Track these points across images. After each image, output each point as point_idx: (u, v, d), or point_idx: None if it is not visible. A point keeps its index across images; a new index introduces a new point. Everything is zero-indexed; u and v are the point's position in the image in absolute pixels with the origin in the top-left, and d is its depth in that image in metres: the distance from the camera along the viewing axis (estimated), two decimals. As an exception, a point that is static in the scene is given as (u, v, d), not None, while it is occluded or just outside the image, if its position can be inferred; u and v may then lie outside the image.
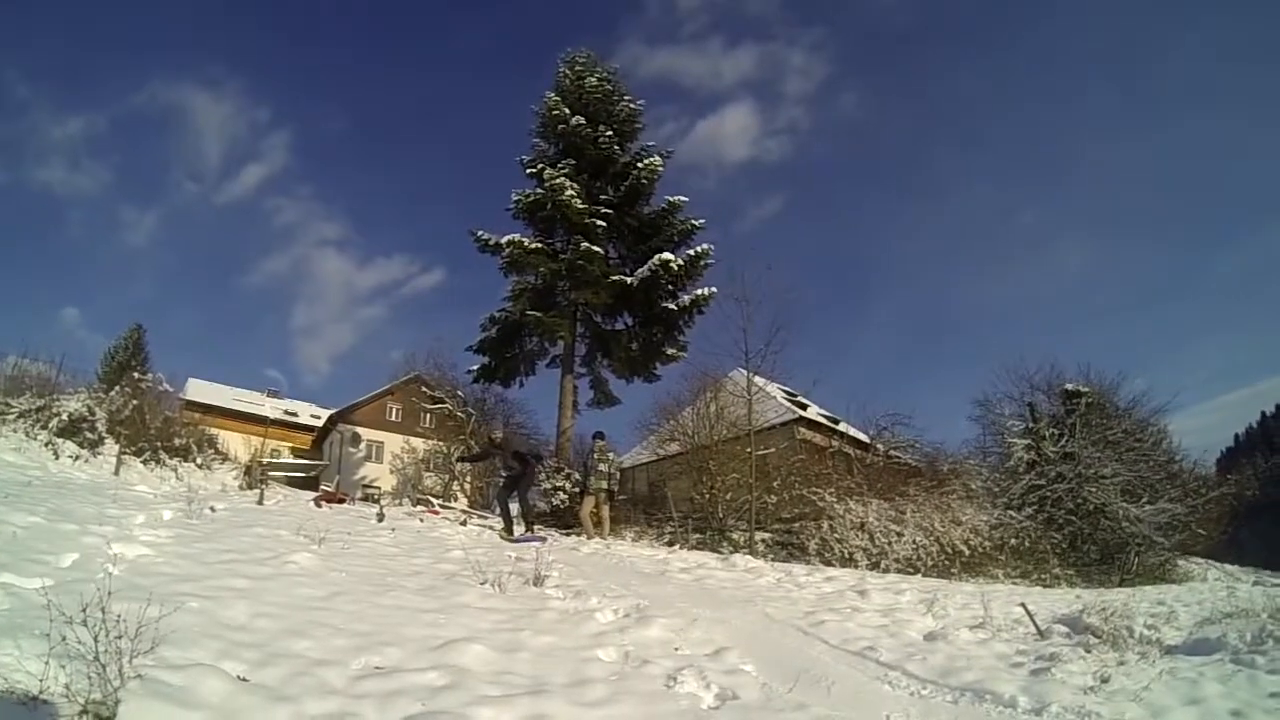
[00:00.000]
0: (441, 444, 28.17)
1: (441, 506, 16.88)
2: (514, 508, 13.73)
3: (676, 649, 5.63)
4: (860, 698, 5.06)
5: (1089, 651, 6.84)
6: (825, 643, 6.57)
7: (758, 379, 23.53)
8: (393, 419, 45.01)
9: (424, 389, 32.74)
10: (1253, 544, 57.14)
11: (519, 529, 12.68)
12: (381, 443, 44.20)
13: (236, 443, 29.14)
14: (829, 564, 15.36)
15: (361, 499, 18.57)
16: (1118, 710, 4.97)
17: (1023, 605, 9.03)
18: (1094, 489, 24.04)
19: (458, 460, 16.72)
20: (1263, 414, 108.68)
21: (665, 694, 4.54)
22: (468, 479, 26.83)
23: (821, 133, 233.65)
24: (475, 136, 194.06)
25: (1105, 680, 5.62)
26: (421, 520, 13.29)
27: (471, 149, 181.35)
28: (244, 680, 3.62)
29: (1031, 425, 26.70)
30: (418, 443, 32.12)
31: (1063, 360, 29.85)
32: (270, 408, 54.58)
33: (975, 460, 26.75)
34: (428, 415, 34.25)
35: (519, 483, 14.19)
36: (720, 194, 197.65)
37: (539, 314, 23.31)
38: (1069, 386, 27.59)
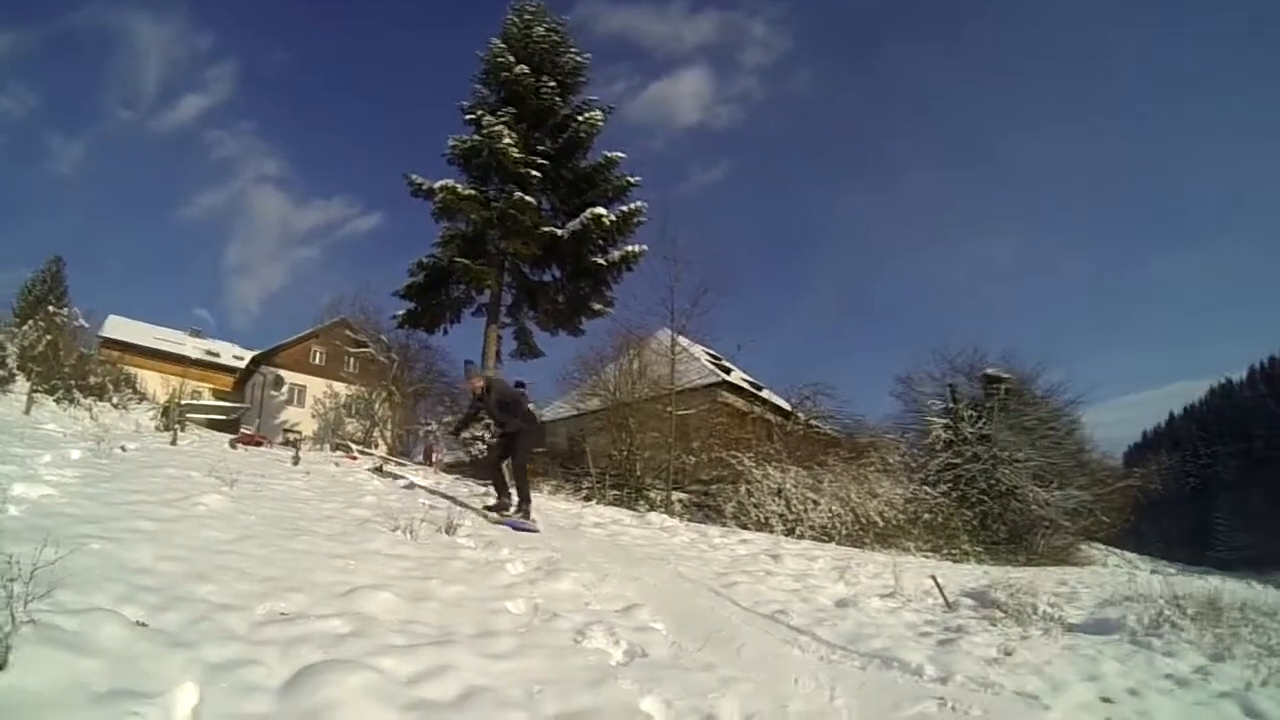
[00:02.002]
0: (364, 390, 27.94)
1: (360, 453, 16.72)
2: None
3: (587, 604, 5.68)
4: (769, 660, 5.14)
5: (994, 625, 7.14)
6: (737, 604, 6.67)
7: (683, 340, 23.72)
8: (317, 362, 44.00)
9: (348, 332, 32.31)
10: (1152, 535, 60.13)
11: (510, 510, 9.25)
12: (304, 386, 43.20)
13: (155, 383, 28.51)
14: (745, 527, 15.51)
15: (281, 443, 18.32)
16: (1020, 682, 5.12)
17: (933, 578, 9.30)
18: (1007, 471, 24.91)
19: (453, 432, 13.82)
20: (1171, 414, 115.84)
21: (573, 649, 4.57)
22: (389, 426, 26.65)
23: (773, 105, 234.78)
24: (423, 78, 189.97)
25: (1009, 653, 5.83)
26: (337, 465, 13.12)
27: (419, 91, 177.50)
28: (143, 625, 3.53)
29: (951, 406, 27.60)
30: (340, 387, 31.86)
31: (986, 346, 30.60)
32: (192, 347, 53.28)
33: (895, 436, 27.35)
34: (351, 360, 33.95)
35: (515, 443, 9.70)
36: (667, 156, 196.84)
37: (467, 261, 23.27)
38: (990, 371, 28.51)
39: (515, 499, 9.40)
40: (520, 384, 16.35)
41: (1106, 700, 5.11)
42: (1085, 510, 27.28)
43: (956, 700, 4.55)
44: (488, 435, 19.05)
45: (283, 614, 4.12)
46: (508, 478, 9.76)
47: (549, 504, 12.20)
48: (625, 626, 5.16)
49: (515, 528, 8.66)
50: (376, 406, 27.26)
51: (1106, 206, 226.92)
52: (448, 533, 7.36)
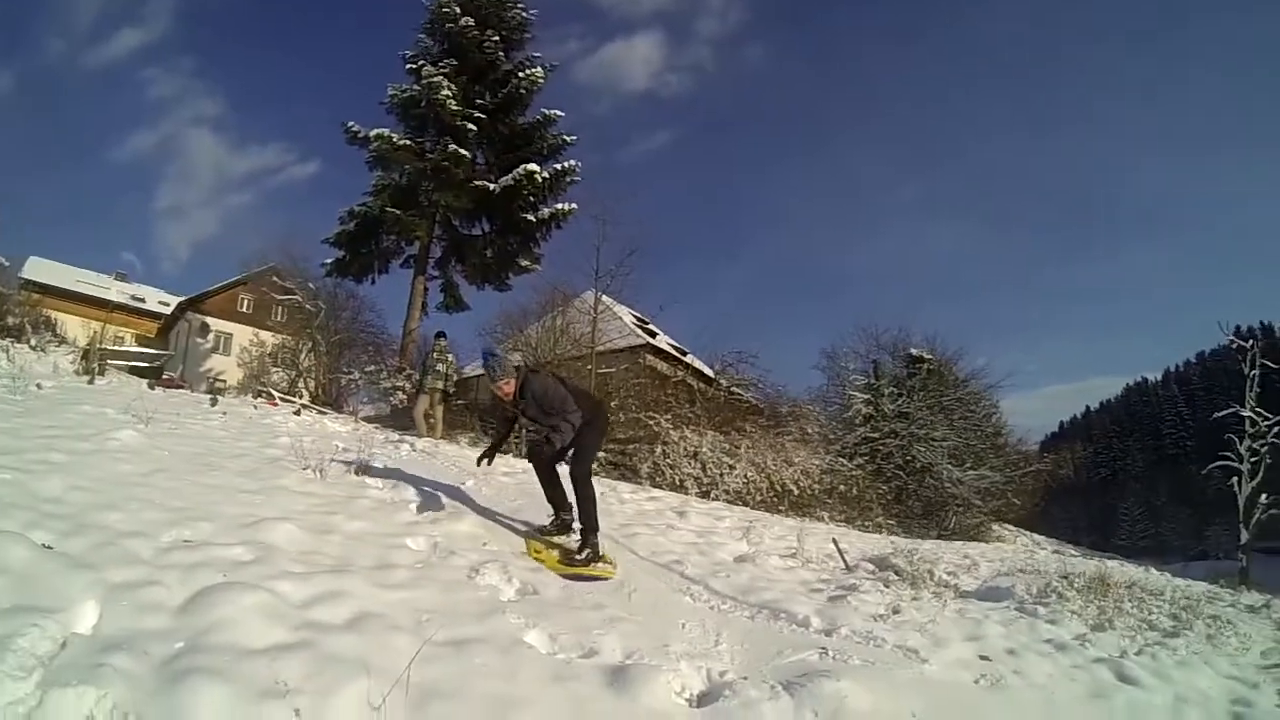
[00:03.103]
0: (290, 338, 27.67)
1: (281, 400, 16.64)
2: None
3: (485, 544, 5.83)
4: (659, 606, 5.36)
5: (888, 587, 7.29)
6: (635, 554, 6.88)
7: (610, 302, 24.00)
8: (244, 310, 43.19)
9: (276, 279, 31.84)
10: (1062, 520, 62.46)
11: (572, 535, 6.40)
12: (231, 334, 42.16)
13: (76, 327, 27.89)
14: (659, 488, 15.62)
15: (205, 392, 18.18)
16: (902, 637, 5.28)
17: (834, 541, 9.51)
18: (923, 448, 25.57)
19: (483, 458, 7.07)
20: (1087, 408, 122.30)
21: (466, 584, 4.76)
22: (312, 377, 26.46)
23: (724, 77, 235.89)
24: (369, 24, 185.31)
25: (897, 611, 6.04)
26: (255, 408, 13.10)
27: (365, 37, 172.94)
28: (49, 548, 3.65)
29: (873, 382, 28.21)
30: (267, 336, 31.36)
31: (912, 327, 31.54)
32: (117, 292, 51.38)
33: (815, 408, 27.87)
34: (279, 308, 33.40)
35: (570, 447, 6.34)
36: (611, 119, 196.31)
37: (398, 212, 23.23)
38: (914, 351, 29.27)
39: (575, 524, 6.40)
40: (440, 334, 16.36)
41: (984, 658, 5.29)
42: (997, 491, 28.08)
43: (838, 650, 4.76)
44: (408, 385, 18.95)
45: (187, 541, 4.25)
46: (566, 490, 6.55)
47: (463, 452, 12.30)
48: (520, 567, 5.35)
49: (579, 579, 5.62)
50: (302, 356, 27.02)
51: (1044, 206, 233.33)
52: (357, 473, 7.43)
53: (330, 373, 26.11)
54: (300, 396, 22.04)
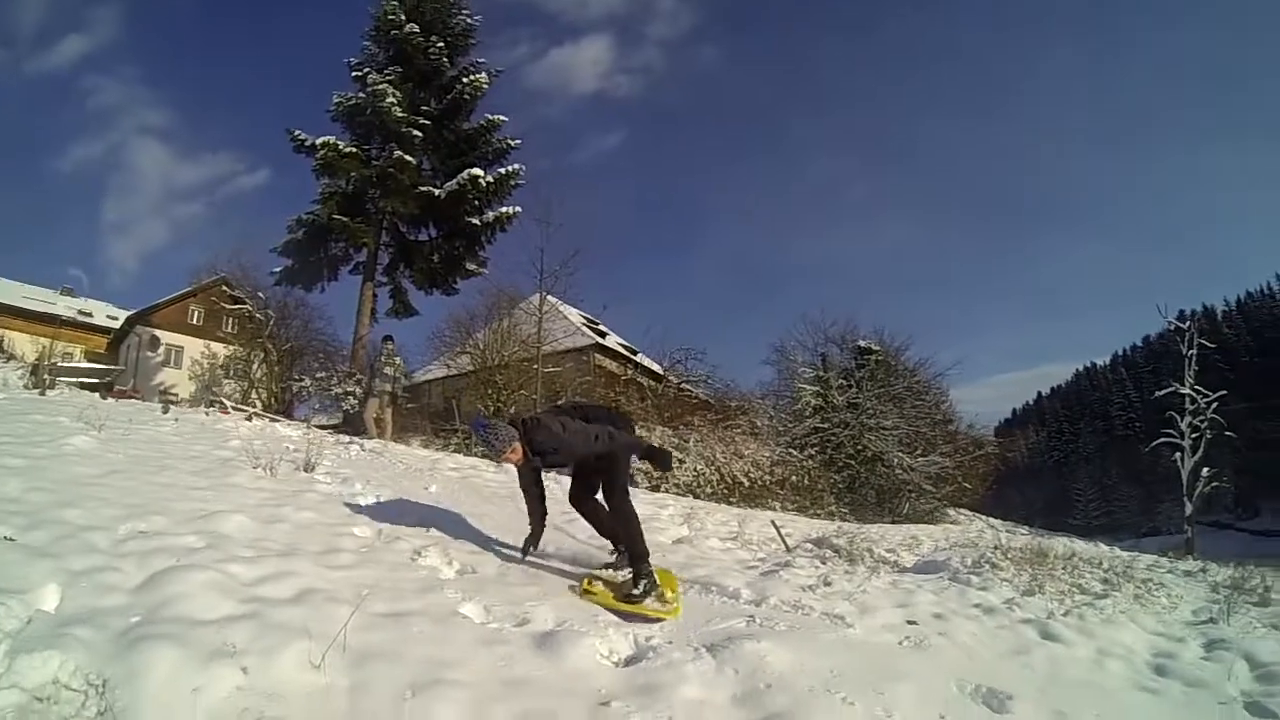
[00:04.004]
0: (242, 349, 27.64)
1: (234, 409, 16.72)
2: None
3: (429, 530, 6.06)
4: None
5: (824, 563, 7.49)
6: (574, 538, 7.04)
7: (558, 303, 24.31)
8: (194, 322, 42.47)
9: (226, 289, 31.74)
10: (1018, 503, 63.61)
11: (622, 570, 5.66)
12: (181, 347, 41.67)
13: (24, 344, 27.58)
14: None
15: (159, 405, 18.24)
16: (830, 606, 5.43)
17: (773, 523, 9.77)
18: (874, 437, 26.10)
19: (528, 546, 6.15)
20: (1039, 394, 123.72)
21: (408, 565, 5.02)
22: (264, 387, 26.45)
23: (675, 79, 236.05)
24: (318, 32, 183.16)
25: (828, 583, 6.22)
26: (208, 414, 13.24)
27: (312, 44, 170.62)
28: (10, 540, 3.86)
29: (822, 374, 28.65)
30: (219, 348, 31.20)
31: (861, 320, 32.24)
32: (64, 307, 50.48)
33: (768, 401, 28.41)
34: (230, 319, 33.22)
35: (604, 470, 5.81)
36: (562, 122, 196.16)
37: (345, 219, 23.33)
38: (862, 343, 29.81)
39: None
40: (388, 337, 16.49)
41: (911, 622, 5.41)
42: (949, 476, 28.69)
43: (765, 618, 4.95)
44: (358, 391, 19.06)
45: (142, 533, 4.45)
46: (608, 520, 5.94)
47: (411, 451, 12.60)
48: (461, 550, 5.61)
49: (638, 618, 4.80)
50: (255, 367, 27.02)
51: (990, 201, 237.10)
52: (306, 470, 7.72)
53: (281, 381, 26.13)
54: (254, 406, 22.08)
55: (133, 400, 15.46)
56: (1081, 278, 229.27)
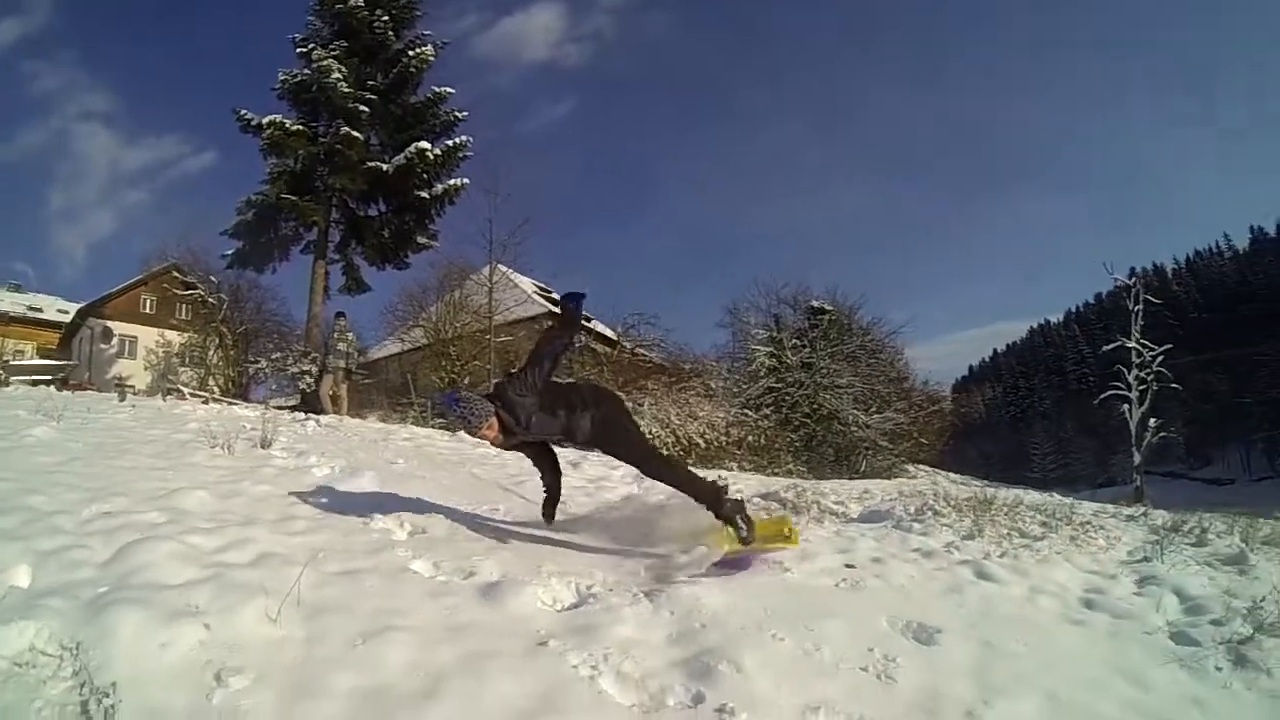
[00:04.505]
0: (196, 335, 27.56)
1: (191, 394, 16.80)
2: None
3: (382, 496, 6.33)
4: (539, 538, 5.76)
5: (769, 515, 7.36)
6: (523, 498, 7.31)
7: (510, 272, 24.44)
8: (147, 311, 42.29)
9: (177, 275, 31.51)
10: (976, 458, 64.99)
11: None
12: (135, 337, 41.46)
13: (-28, 344, 27.33)
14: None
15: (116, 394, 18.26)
16: (770, 552, 5.47)
17: (720, 477, 10.06)
18: (829, 396, 26.53)
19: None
20: (994, 351, 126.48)
21: (362, 529, 5.25)
22: (221, 372, 26.42)
23: (626, 46, 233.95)
24: (262, 7, 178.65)
25: None
26: (165, 400, 13.36)
27: (258, 22, 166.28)
28: None
29: (776, 335, 28.97)
30: (172, 335, 31.05)
31: (813, 282, 32.66)
32: (11, 304, 49.88)
33: (723, 364, 28.82)
34: (183, 306, 32.99)
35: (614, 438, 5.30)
36: (512, 92, 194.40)
37: (295, 198, 23.32)
38: (815, 303, 30.21)
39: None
40: (340, 314, 16.60)
41: (849, 566, 5.54)
42: (904, 432, 29.30)
43: (706, 566, 5.06)
44: (315, 369, 19.16)
45: (106, 513, 4.66)
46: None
47: (367, 425, 12.86)
48: (413, 513, 5.80)
49: (760, 554, 5.35)
50: (211, 353, 26.96)
51: (947, 161, 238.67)
52: (263, 447, 7.92)
53: (238, 365, 26.13)
54: (211, 392, 22.11)
55: (88, 392, 15.49)
56: (1035, 238, 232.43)
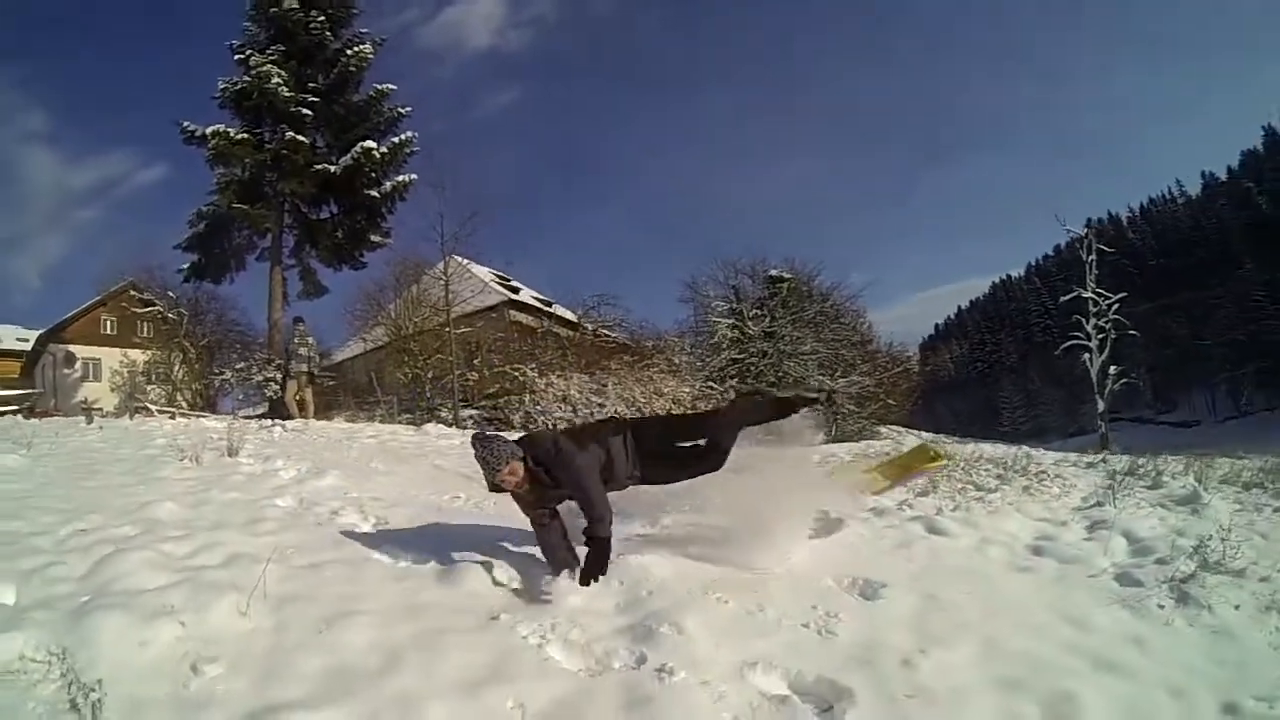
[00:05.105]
0: (160, 353, 27.46)
1: (159, 411, 16.87)
2: None
3: (347, 493, 6.55)
4: (495, 521, 5.93)
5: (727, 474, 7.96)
6: (481, 484, 7.49)
7: (468, 263, 24.53)
8: (108, 332, 41.54)
9: (135, 293, 31.30)
10: (946, 416, 65.80)
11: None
12: (99, 359, 40.56)
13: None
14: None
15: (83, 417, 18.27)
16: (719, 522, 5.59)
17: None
18: (793, 364, 26.72)
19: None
20: (959, 308, 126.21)
21: (327, 524, 5.50)
22: (187, 387, 26.36)
23: (568, 27, 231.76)
24: (197, 13, 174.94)
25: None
26: (132, 419, 13.47)
27: (193, 29, 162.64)
28: None
29: (736, 306, 29.14)
30: (136, 354, 30.76)
31: (771, 251, 32.92)
32: None
33: (685, 339, 29.01)
34: (143, 324, 32.74)
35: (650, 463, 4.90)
36: (458, 82, 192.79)
37: (245, 207, 23.29)
38: (773, 272, 30.29)
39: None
40: (298, 319, 16.72)
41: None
42: (871, 395, 29.63)
43: (656, 537, 5.35)
44: (278, 376, 19.23)
45: (82, 531, 4.85)
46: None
47: (330, 426, 13.13)
48: (376, 506, 6.08)
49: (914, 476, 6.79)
50: (176, 369, 26.87)
51: (897, 125, 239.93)
52: (230, 455, 8.09)
53: (203, 378, 26.10)
54: (179, 407, 22.11)
55: (55, 419, 15.56)
56: (991, 194, 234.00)
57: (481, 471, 4.47)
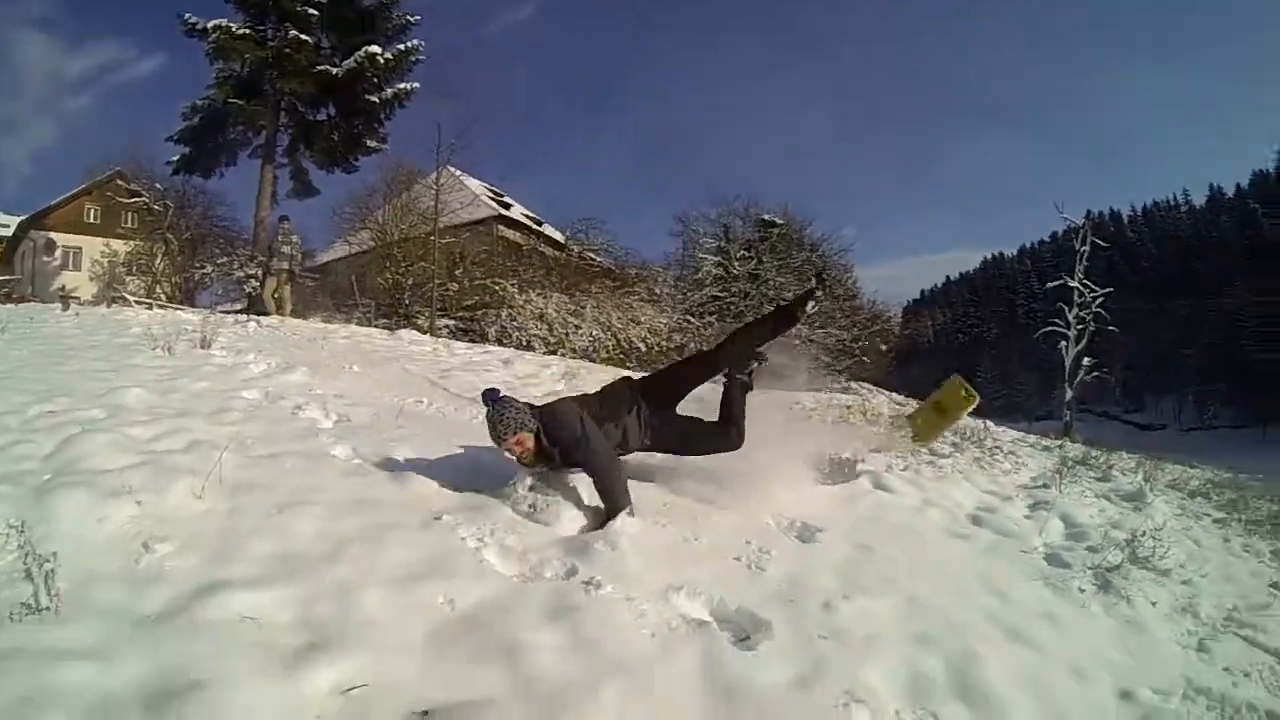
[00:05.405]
0: (143, 244, 27.30)
1: (136, 302, 16.88)
2: None
3: (313, 390, 6.69)
4: (457, 424, 6.34)
5: (687, 406, 8.11)
6: (447, 390, 7.72)
7: (462, 175, 24.39)
8: (91, 221, 41.01)
9: (122, 183, 30.97)
10: (923, 381, 65.94)
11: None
12: (80, 248, 40.14)
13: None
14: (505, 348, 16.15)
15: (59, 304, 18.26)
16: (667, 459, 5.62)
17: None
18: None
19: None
20: (946, 277, 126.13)
21: (290, 418, 5.66)
22: (167, 279, 26.23)
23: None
24: None
25: None
26: (109, 308, 13.53)
27: None
28: None
29: (724, 245, 29.23)
30: (118, 244, 30.48)
31: (765, 195, 32.93)
32: None
33: (671, 271, 29.16)
34: (128, 214, 32.39)
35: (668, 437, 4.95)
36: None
37: (242, 103, 23.04)
38: (765, 216, 30.30)
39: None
40: (284, 217, 16.68)
41: None
42: (847, 349, 29.82)
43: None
44: (260, 273, 19.20)
45: (50, 412, 5.00)
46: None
47: (306, 324, 13.24)
48: (340, 403, 6.23)
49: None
50: (157, 260, 26.72)
51: (910, 96, 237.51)
52: (203, 347, 8.25)
53: (184, 272, 26.01)
54: (158, 299, 22.07)
55: (31, 304, 15.58)
56: (999, 174, 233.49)
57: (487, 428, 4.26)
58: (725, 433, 4.88)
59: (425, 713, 2.40)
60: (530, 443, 4.22)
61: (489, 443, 4.34)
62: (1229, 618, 4.51)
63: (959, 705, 2.99)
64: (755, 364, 5.19)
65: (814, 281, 5.30)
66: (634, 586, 3.40)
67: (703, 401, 5.01)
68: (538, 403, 4.51)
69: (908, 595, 3.89)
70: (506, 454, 4.33)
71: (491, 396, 4.32)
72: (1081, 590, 4.49)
